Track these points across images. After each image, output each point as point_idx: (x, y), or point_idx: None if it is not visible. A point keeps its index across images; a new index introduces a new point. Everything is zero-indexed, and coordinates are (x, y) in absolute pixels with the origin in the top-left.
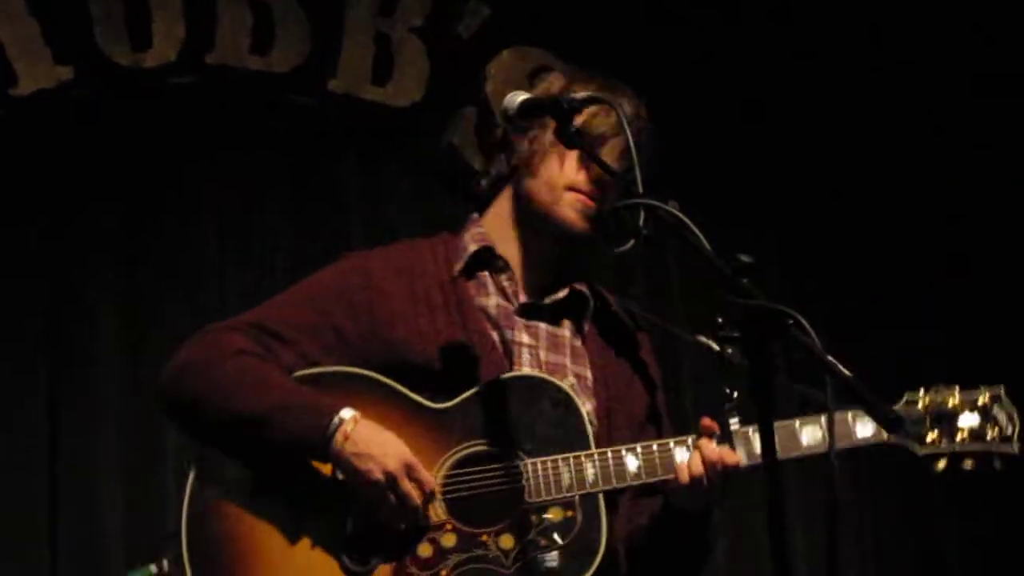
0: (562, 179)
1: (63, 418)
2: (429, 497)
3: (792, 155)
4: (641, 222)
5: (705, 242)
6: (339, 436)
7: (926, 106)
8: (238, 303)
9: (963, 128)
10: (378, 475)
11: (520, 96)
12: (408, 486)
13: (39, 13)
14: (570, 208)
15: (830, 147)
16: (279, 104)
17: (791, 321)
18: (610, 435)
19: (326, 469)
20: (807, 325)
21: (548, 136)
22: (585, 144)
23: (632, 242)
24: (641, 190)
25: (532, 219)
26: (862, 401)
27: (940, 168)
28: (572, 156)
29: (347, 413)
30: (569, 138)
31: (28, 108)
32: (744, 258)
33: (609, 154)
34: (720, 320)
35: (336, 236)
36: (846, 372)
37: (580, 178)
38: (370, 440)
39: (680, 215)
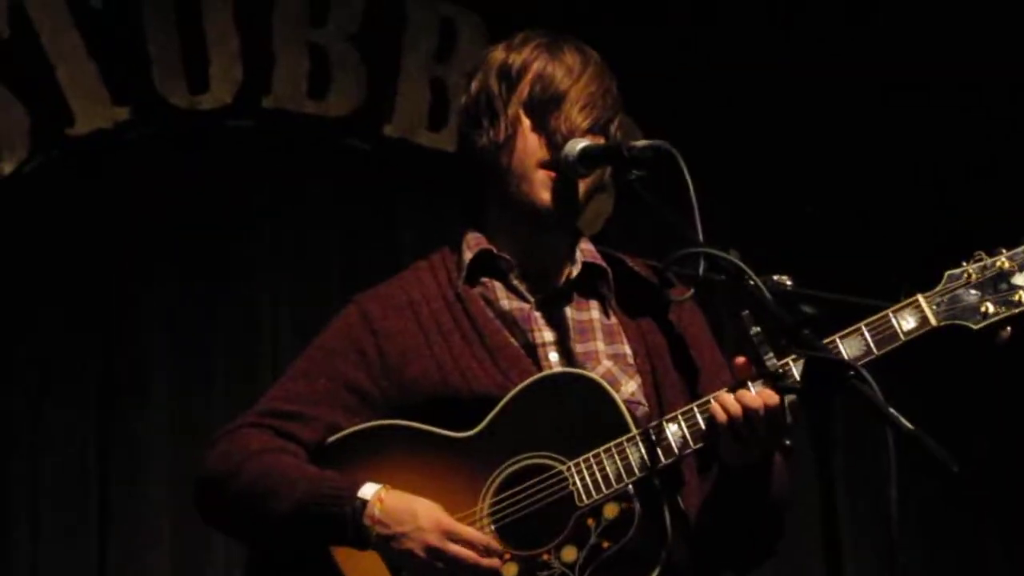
0: (531, 157)
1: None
2: (482, 550)
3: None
4: (700, 271)
5: (767, 292)
6: (367, 520)
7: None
8: (291, 342)
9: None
10: (420, 553)
11: (580, 144)
12: (454, 549)
13: (97, 54)
14: (542, 187)
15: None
16: (334, 148)
17: (852, 373)
18: (663, 410)
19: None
20: (868, 377)
21: (513, 111)
22: (645, 192)
23: (692, 292)
24: (701, 237)
25: (513, 208)
26: (929, 454)
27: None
28: (541, 133)
29: (368, 491)
30: (628, 186)
31: (84, 148)
32: (807, 309)
33: (572, 106)
34: (781, 371)
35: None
36: (909, 425)
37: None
38: (400, 516)
39: (742, 265)
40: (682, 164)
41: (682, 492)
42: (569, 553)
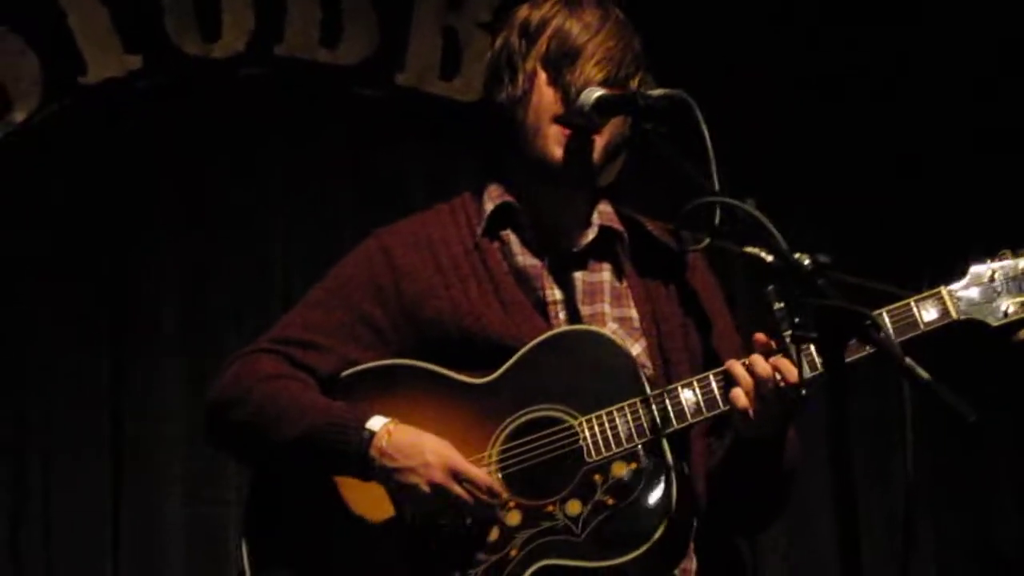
0: (545, 111)
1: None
2: (486, 492)
3: None
4: (717, 220)
5: (783, 241)
6: (374, 452)
7: None
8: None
9: None
10: (424, 488)
11: (596, 92)
12: (459, 490)
13: (109, 2)
14: (554, 142)
15: None
16: (347, 97)
17: (868, 322)
18: (667, 374)
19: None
20: (885, 325)
21: (531, 65)
22: (663, 141)
23: (708, 240)
24: (717, 187)
25: (529, 163)
26: (946, 403)
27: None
28: (556, 87)
29: (377, 423)
30: (643, 137)
31: (97, 96)
32: (822, 258)
33: (588, 61)
34: (796, 320)
35: None
36: (925, 374)
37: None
38: (408, 450)
39: (758, 214)
40: (698, 114)
41: (690, 457)
42: (574, 506)
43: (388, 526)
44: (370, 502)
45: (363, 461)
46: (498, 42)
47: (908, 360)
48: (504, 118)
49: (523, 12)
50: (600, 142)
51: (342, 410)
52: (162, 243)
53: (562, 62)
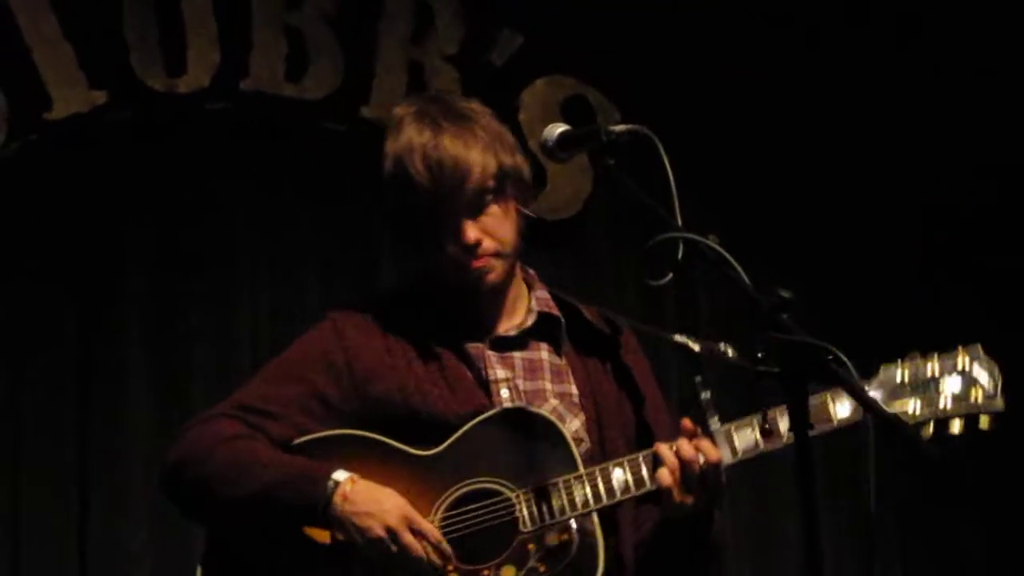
0: (457, 257)
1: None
2: (433, 547)
3: None
4: (679, 255)
5: (745, 277)
6: (337, 499)
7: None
8: (269, 326)
9: None
10: (379, 531)
11: (559, 128)
12: (410, 538)
13: (74, 37)
14: (471, 277)
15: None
16: (312, 131)
17: (830, 356)
18: (603, 448)
19: (324, 537)
20: (846, 360)
21: (417, 221)
22: (624, 177)
23: (670, 275)
24: (679, 222)
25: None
26: (904, 440)
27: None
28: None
29: (341, 475)
30: (606, 170)
31: (62, 132)
32: (784, 293)
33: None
34: (759, 355)
35: (365, 264)
36: (886, 410)
37: (470, 236)
38: (368, 498)
39: (721, 250)
40: (660, 148)
41: (619, 529)
42: (508, 572)
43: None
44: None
45: (325, 506)
46: (386, 187)
47: (870, 395)
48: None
49: (388, 164)
50: (504, 263)
51: (306, 463)
52: (128, 277)
53: (445, 200)
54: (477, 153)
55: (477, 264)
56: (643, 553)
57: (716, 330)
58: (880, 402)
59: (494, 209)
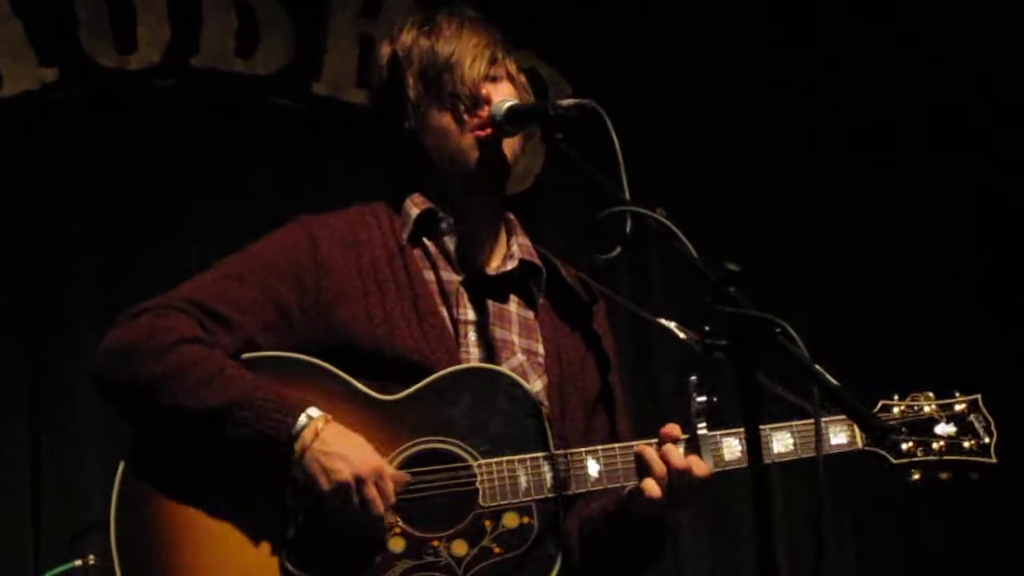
0: (447, 132)
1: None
2: (391, 510)
3: None
4: (627, 229)
5: (693, 250)
6: (307, 434)
7: None
8: None
9: None
10: (346, 476)
11: (507, 103)
12: (374, 492)
13: (24, 14)
14: (467, 153)
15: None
16: (263, 106)
17: (778, 329)
18: (563, 414)
19: (273, 468)
20: (794, 333)
21: (414, 95)
22: (572, 151)
23: (618, 250)
24: (627, 196)
25: (445, 176)
26: (848, 411)
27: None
28: (446, 106)
29: (315, 412)
30: (555, 144)
31: (12, 110)
32: (731, 266)
33: (464, 64)
34: (707, 328)
35: None
36: (833, 381)
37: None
38: (343, 442)
39: (668, 223)
40: (608, 122)
41: (573, 508)
42: (459, 547)
43: (266, 535)
44: (256, 506)
45: (291, 439)
46: (375, 80)
47: (818, 367)
48: (408, 148)
49: (386, 49)
50: (509, 146)
51: (278, 388)
52: (79, 254)
53: (441, 80)
54: (492, 30)
55: (485, 131)
56: (591, 535)
57: (669, 307)
58: (887, 441)
59: (506, 86)
